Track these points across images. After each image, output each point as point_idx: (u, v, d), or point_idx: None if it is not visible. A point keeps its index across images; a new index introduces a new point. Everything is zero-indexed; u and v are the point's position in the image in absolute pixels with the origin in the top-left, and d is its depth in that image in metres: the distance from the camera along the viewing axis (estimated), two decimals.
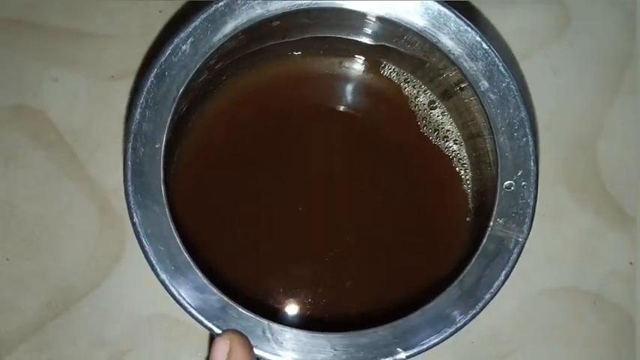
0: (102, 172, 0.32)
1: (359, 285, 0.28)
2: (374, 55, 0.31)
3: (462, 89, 0.27)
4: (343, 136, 0.31)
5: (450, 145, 0.30)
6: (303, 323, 0.24)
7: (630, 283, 0.34)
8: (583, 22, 0.37)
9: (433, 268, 0.28)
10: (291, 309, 0.27)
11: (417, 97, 0.31)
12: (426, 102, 0.31)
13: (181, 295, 0.22)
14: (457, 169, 0.30)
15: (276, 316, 0.23)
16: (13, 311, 0.32)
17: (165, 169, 0.27)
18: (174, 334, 0.32)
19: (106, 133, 0.33)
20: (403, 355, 0.21)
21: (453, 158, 0.30)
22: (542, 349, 0.33)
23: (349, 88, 0.32)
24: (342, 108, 0.32)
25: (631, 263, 0.34)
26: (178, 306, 0.22)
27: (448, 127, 0.30)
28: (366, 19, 0.26)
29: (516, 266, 0.34)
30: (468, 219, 0.29)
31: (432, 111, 0.30)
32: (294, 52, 0.31)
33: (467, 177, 0.30)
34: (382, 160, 0.31)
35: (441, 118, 0.30)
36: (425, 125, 0.30)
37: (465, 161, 0.30)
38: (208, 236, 0.29)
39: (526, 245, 0.35)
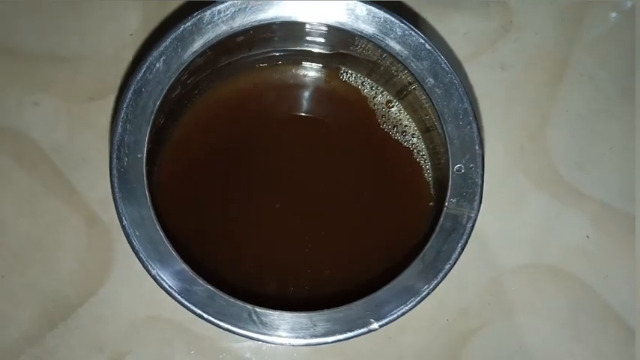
0: (87, 185, 0.35)
1: (336, 268, 0.31)
2: (332, 62, 0.34)
3: (413, 88, 0.30)
4: (312, 138, 0.34)
5: (409, 138, 0.33)
6: (288, 306, 0.26)
7: (587, 256, 0.37)
8: (526, 19, 0.40)
9: (402, 249, 0.31)
10: (277, 295, 0.30)
11: (375, 97, 0.34)
12: (384, 101, 0.34)
13: (172, 288, 0.24)
14: (417, 160, 0.33)
15: (263, 302, 0.26)
16: (11, 325, 0.34)
17: (148, 177, 0.29)
18: (168, 334, 0.34)
19: (88, 149, 0.35)
20: (376, 325, 0.24)
21: (413, 150, 0.33)
22: (509, 323, 0.36)
23: (313, 94, 0.35)
24: (308, 112, 0.35)
25: (587, 237, 0.38)
26: (170, 307, 0.25)
27: (405, 122, 0.33)
28: (322, 30, 0.30)
29: (482, 247, 0.38)
30: (430, 204, 0.33)
31: (390, 109, 0.34)
32: (260, 64, 0.34)
33: (427, 167, 0.33)
34: (349, 157, 0.34)
35: (399, 115, 0.34)
36: (384, 122, 0.34)
37: (423, 152, 0.33)
38: (191, 233, 0.32)
39: (489, 228, 0.38)
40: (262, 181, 0.33)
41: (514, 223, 0.38)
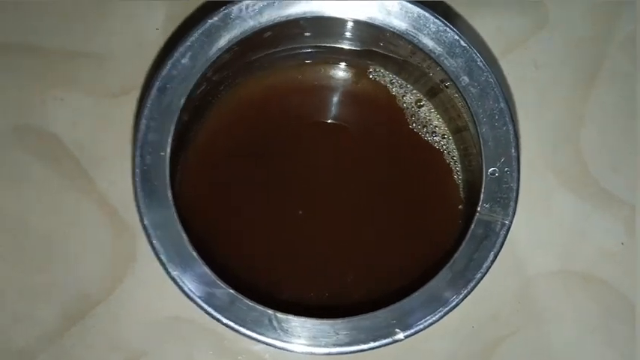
0: (110, 183, 0.34)
1: (360, 275, 0.30)
2: (361, 60, 0.32)
3: (446, 86, 0.29)
4: (338, 139, 0.33)
5: (439, 139, 0.32)
6: (308, 312, 0.25)
7: (620, 263, 0.36)
8: (560, 16, 0.38)
9: (430, 254, 0.30)
10: (297, 301, 0.28)
11: (404, 97, 0.32)
12: (413, 100, 0.32)
13: (191, 291, 0.23)
14: (447, 161, 0.32)
15: (282, 307, 0.25)
16: (31, 322, 0.33)
17: (171, 175, 0.28)
18: (186, 335, 0.33)
19: (111, 146, 0.34)
20: (401, 335, 0.23)
21: (443, 152, 0.32)
22: (538, 330, 0.34)
23: (341, 93, 0.33)
24: (335, 112, 0.33)
25: (622, 243, 0.36)
26: (189, 308, 0.24)
27: (435, 122, 0.32)
28: (352, 25, 0.28)
29: (511, 252, 0.36)
30: (460, 207, 0.31)
31: (420, 109, 0.32)
32: (288, 62, 0.33)
33: (457, 168, 0.32)
34: (376, 158, 0.32)
35: (429, 115, 0.32)
36: (414, 122, 0.32)
37: (454, 154, 0.32)
38: (214, 236, 0.31)
39: (519, 232, 0.37)
40: (286, 184, 0.32)
41: (544, 227, 0.36)
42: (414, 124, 0.32)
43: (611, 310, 0.35)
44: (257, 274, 0.29)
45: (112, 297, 0.33)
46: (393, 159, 0.32)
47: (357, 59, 0.32)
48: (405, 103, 0.32)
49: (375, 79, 0.33)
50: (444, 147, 0.32)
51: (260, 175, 0.32)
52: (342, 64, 0.33)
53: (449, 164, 0.32)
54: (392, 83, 0.33)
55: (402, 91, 0.32)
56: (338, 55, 0.32)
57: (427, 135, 0.32)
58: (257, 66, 0.32)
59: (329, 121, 0.33)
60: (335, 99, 0.33)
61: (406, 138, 0.32)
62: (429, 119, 0.32)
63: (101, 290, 0.34)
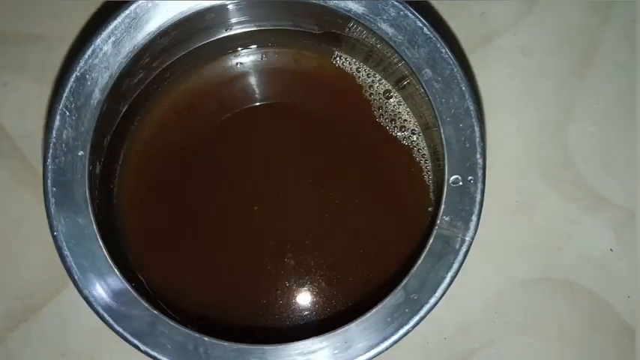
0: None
1: (309, 290, 0.26)
2: (325, 44, 0.28)
3: (408, 82, 0.25)
4: (298, 130, 0.29)
5: (408, 135, 0.28)
6: (241, 335, 0.22)
7: (608, 270, 0.32)
8: (551, 1, 0.34)
9: (395, 261, 0.26)
10: (237, 318, 0.25)
11: (371, 86, 0.28)
12: (381, 91, 0.28)
13: (106, 311, 0.20)
14: (417, 159, 0.28)
15: (226, 327, 0.22)
16: None
17: (107, 173, 0.25)
18: None
19: None
20: None
21: (412, 148, 0.28)
22: (515, 343, 0.31)
23: (302, 79, 0.30)
24: (295, 100, 0.30)
25: (611, 250, 0.32)
26: None
27: (405, 116, 0.28)
28: (306, 7, 0.24)
29: (488, 257, 0.33)
30: (430, 209, 0.28)
31: (388, 100, 0.28)
32: (243, 47, 0.29)
33: (427, 167, 0.28)
34: (339, 153, 0.29)
35: (398, 108, 0.28)
36: (381, 115, 0.28)
37: (424, 152, 0.28)
38: (157, 239, 0.28)
39: (498, 235, 0.33)
40: (240, 178, 0.28)
41: (526, 230, 0.32)
42: (382, 118, 0.28)
43: (596, 321, 0.31)
44: (199, 287, 0.26)
45: (58, 299, 0.31)
46: (358, 155, 0.29)
47: (320, 44, 0.29)
48: (372, 93, 0.29)
49: (340, 65, 0.29)
50: (414, 144, 0.28)
51: (211, 167, 0.28)
52: (304, 49, 0.29)
53: (419, 163, 0.28)
54: (358, 71, 0.29)
55: (369, 80, 0.29)
56: (298, 39, 0.28)
57: (396, 130, 0.28)
58: (207, 52, 0.28)
59: (288, 109, 0.30)
60: (296, 84, 0.30)
61: (372, 132, 0.28)
62: (398, 112, 0.28)
63: (46, 292, 0.31)
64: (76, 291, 0.30)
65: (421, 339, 0.31)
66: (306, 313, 0.26)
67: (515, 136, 0.33)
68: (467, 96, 0.21)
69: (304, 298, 0.27)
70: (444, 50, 0.22)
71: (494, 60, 0.33)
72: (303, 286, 0.27)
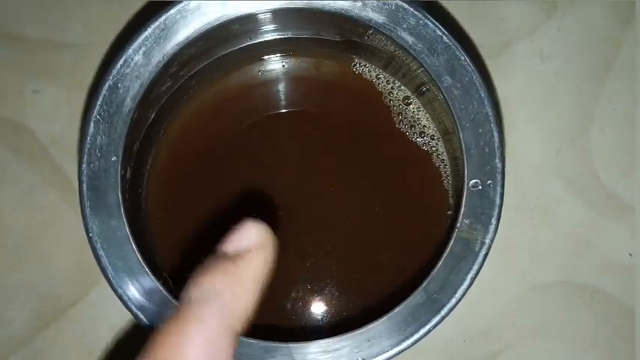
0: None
1: (332, 289, 0.27)
2: (345, 51, 0.29)
3: (427, 89, 0.26)
4: (320, 136, 0.30)
5: (428, 140, 0.29)
6: (268, 333, 0.23)
7: (628, 275, 0.32)
8: (571, 5, 0.35)
9: (414, 265, 0.27)
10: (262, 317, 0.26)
11: (391, 93, 0.29)
12: (401, 97, 0.29)
13: (139, 309, 0.21)
14: (436, 164, 0.29)
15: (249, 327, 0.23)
16: (1, 323, 0.32)
17: (136, 178, 0.26)
18: None
19: None
20: None
21: (432, 154, 0.29)
22: (535, 346, 0.32)
23: (323, 86, 0.31)
24: (317, 107, 0.31)
25: (630, 254, 0.33)
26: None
27: (424, 122, 0.29)
28: (328, 17, 0.25)
29: (508, 262, 0.33)
30: (449, 212, 0.28)
31: (407, 106, 0.29)
32: (265, 55, 0.30)
33: (446, 173, 0.29)
34: (359, 159, 0.30)
35: (417, 114, 0.29)
36: (401, 121, 0.29)
37: (443, 157, 0.29)
38: (185, 242, 0.29)
39: (518, 239, 0.34)
40: (263, 183, 0.29)
41: (546, 235, 0.33)
42: (401, 124, 0.29)
43: (615, 326, 0.32)
44: None
45: (87, 299, 0.32)
46: (378, 161, 0.30)
47: (340, 51, 0.30)
48: (391, 100, 0.29)
49: (360, 72, 0.30)
50: (433, 149, 0.29)
51: (237, 172, 0.29)
52: (325, 57, 0.30)
53: (438, 168, 0.29)
54: (378, 78, 0.30)
55: (388, 86, 0.29)
56: (320, 48, 0.30)
57: (415, 136, 0.29)
58: (231, 60, 0.29)
59: (309, 117, 0.30)
60: (317, 92, 0.31)
61: (392, 138, 0.29)
62: (418, 118, 0.29)
63: (75, 292, 0.32)
64: (104, 291, 0.31)
65: (441, 342, 0.32)
66: (327, 313, 0.27)
67: (535, 142, 0.33)
68: (486, 102, 0.22)
69: (325, 300, 0.28)
70: (463, 57, 0.23)
71: (513, 66, 0.34)
72: (324, 288, 0.28)
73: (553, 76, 0.34)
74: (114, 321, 0.32)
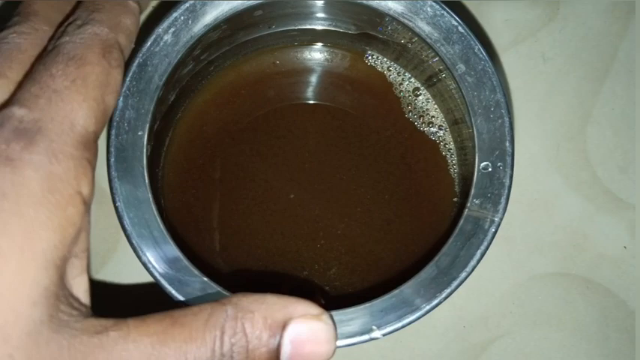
0: (97, 161, 0.33)
1: (343, 266, 0.28)
2: (358, 44, 0.31)
3: (444, 76, 0.27)
4: (331, 125, 0.31)
5: (435, 130, 0.30)
6: None
7: (622, 267, 0.34)
8: (573, 8, 0.36)
9: (421, 247, 0.28)
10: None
11: (401, 84, 0.31)
12: (411, 89, 0.31)
13: (162, 276, 0.22)
14: (443, 153, 0.30)
15: None
16: None
17: (153, 157, 0.27)
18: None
19: None
20: (379, 333, 0.21)
21: (439, 143, 0.30)
22: (532, 334, 0.33)
23: (336, 78, 0.32)
24: (329, 98, 0.32)
25: (625, 247, 0.34)
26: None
27: (433, 113, 0.30)
28: (346, 7, 0.27)
29: (508, 251, 0.34)
30: (455, 199, 0.29)
31: (417, 97, 0.30)
32: (282, 44, 0.32)
33: (452, 161, 0.30)
34: (369, 147, 0.31)
35: (426, 105, 0.30)
36: (410, 111, 0.31)
37: (450, 146, 0.30)
38: (196, 222, 0.29)
39: (518, 231, 0.35)
40: (276, 169, 0.30)
41: (544, 227, 0.34)
42: (410, 114, 0.31)
43: (609, 316, 0.33)
44: (240, 262, 0.28)
45: (97, 277, 0.32)
46: (387, 148, 0.31)
47: (354, 43, 0.31)
48: (401, 91, 0.31)
49: (372, 64, 0.31)
50: (441, 139, 0.30)
51: (249, 157, 0.31)
52: (339, 47, 0.31)
53: (445, 157, 0.30)
54: (389, 70, 0.31)
55: (399, 78, 0.31)
56: (334, 39, 0.31)
57: (423, 125, 0.30)
58: (250, 47, 0.30)
59: (321, 106, 0.32)
60: (329, 83, 0.32)
61: (402, 127, 0.31)
62: (427, 109, 0.30)
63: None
64: (112, 271, 0.32)
65: (441, 327, 0.33)
66: (338, 292, 0.28)
67: (535, 138, 0.35)
68: (497, 89, 0.24)
69: (335, 279, 0.29)
70: (477, 47, 0.24)
71: (516, 65, 0.35)
72: (334, 269, 0.29)
73: (554, 76, 0.36)
74: (124, 299, 0.32)
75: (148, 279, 0.23)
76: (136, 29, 0.22)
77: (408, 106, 0.31)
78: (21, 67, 0.19)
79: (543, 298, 0.33)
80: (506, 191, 0.23)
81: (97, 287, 0.32)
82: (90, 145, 0.19)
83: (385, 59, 0.31)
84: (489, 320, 0.33)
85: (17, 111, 0.17)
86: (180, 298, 0.22)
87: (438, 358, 0.32)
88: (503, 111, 0.23)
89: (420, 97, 0.30)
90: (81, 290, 0.18)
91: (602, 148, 0.35)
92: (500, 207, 0.23)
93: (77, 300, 0.18)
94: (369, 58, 0.31)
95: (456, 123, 0.29)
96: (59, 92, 0.18)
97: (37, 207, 0.16)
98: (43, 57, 0.19)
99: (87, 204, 0.18)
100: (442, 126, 0.30)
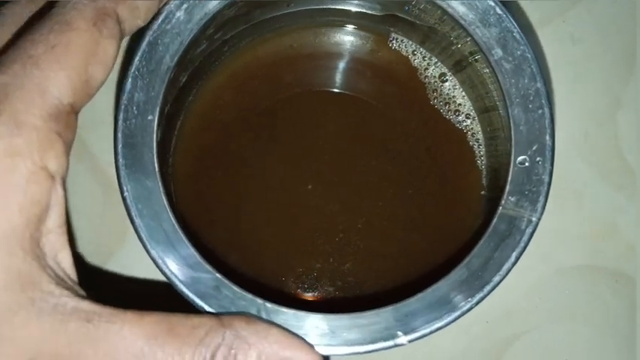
0: (104, 149, 0.31)
1: (365, 265, 0.26)
2: (383, 25, 0.28)
3: (476, 60, 0.25)
4: (352, 111, 0.29)
5: (462, 119, 0.28)
6: (301, 305, 0.22)
7: None
8: None
9: (447, 244, 0.26)
10: (293, 290, 0.25)
11: (426, 69, 0.28)
12: (437, 74, 0.28)
13: (173, 273, 0.20)
14: (470, 144, 0.28)
15: (275, 296, 0.22)
16: None
17: (164, 142, 0.25)
18: (181, 309, 0.31)
19: (108, 109, 0.31)
20: (404, 339, 0.20)
21: (466, 133, 0.28)
22: (559, 329, 0.31)
23: (357, 62, 0.29)
24: (350, 82, 0.29)
25: None
26: None
27: (460, 100, 0.28)
28: None
29: (534, 244, 0.32)
30: (482, 192, 0.27)
31: (443, 84, 0.28)
32: (301, 24, 0.29)
33: (480, 152, 0.28)
34: (392, 135, 0.29)
35: (453, 92, 0.28)
36: (436, 98, 0.28)
37: (478, 136, 0.28)
38: (208, 212, 0.28)
39: (544, 222, 0.33)
40: (293, 157, 0.28)
41: (572, 218, 0.32)
42: (436, 101, 0.28)
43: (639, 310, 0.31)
44: (254, 257, 0.26)
45: (105, 268, 0.31)
46: (410, 137, 0.28)
47: (377, 25, 0.28)
48: (427, 76, 0.28)
49: (396, 48, 0.29)
50: (469, 128, 0.28)
51: (264, 145, 0.28)
52: (361, 30, 0.29)
53: (472, 147, 0.28)
54: (414, 54, 0.28)
55: (424, 63, 0.28)
56: (357, 20, 0.28)
57: (450, 114, 0.28)
58: (266, 27, 0.28)
59: (341, 92, 0.29)
60: (350, 67, 0.29)
61: (426, 115, 0.28)
62: (453, 96, 0.28)
63: (94, 261, 0.30)
64: (122, 261, 0.30)
65: (465, 323, 0.31)
66: (355, 289, 0.26)
67: (563, 125, 0.32)
68: (538, 77, 0.21)
69: (349, 275, 0.27)
70: (515, 30, 0.22)
71: (543, 47, 0.33)
72: (348, 263, 0.27)
73: (583, 58, 0.33)
74: (133, 290, 0.30)
75: (158, 274, 0.22)
76: (147, 5, 0.20)
77: (433, 92, 0.28)
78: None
79: (570, 292, 0.31)
80: (545, 188, 0.21)
81: (104, 278, 0.30)
82: (61, 117, 0.17)
83: (410, 42, 0.28)
84: (514, 315, 0.31)
85: None
86: (191, 295, 0.20)
87: (461, 355, 0.30)
88: (543, 101, 0.21)
89: (447, 84, 0.28)
90: (67, 265, 0.17)
91: (633, 134, 0.32)
92: (539, 205, 0.21)
93: (67, 274, 0.17)
94: (394, 41, 0.28)
95: (486, 111, 0.26)
96: (35, 57, 0.16)
97: None
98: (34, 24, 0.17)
99: (55, 179, 0.16)
100: (470, 114, 0.28)
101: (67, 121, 0.17)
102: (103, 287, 0.30)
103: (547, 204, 0.31)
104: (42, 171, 0.16)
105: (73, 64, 0.17)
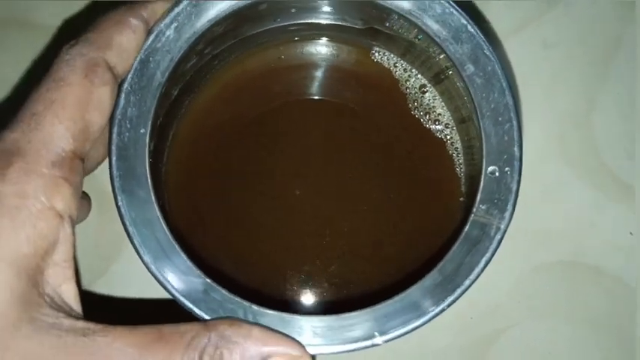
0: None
1: (346, 268, 0.28)
2: (365, 39, 0.29)
3: (451, 74, 0.26)
4: (337, 121, 0.30)
5: (442, 128, 0.29)
6: (290, 306, 0.23)
7: (630, 255, 0.32)
8: None
9: (427, 248, 0.27)
10: (282, 292, 0.26)
11: (407, 81, 0.29)
12: (417, 85, 0.29)
13: (165, 278, 0.21)
14: (449, 152, 0.29)
15: (265, 299, 0.23)
16: None
17: (157, 152, 0.26)
18: (180, 318, 0.31)
19: None
20: (379, 340, 0.21)
21: (446, 142, 0.29)
22: (540, 324, 0.32)
23: (342, 72, 0.31)
24: (335, 93, 0.31)
25: (631, 233, 0.33)
26: None
27: (439, 110, 0.29)
28: (354, 3, 0.25)
29: (515, 242, 0.33)
30: (461, 199, 0.28)
31: (423, 95, 0.29)
32: (288, 38, 0.30)
33: (459, 160, 0.29)
34: (374, 144, 0.30)
35: (433, 102, 0.29)
36: (416, 108, 0.29)
37: (457, 145, 0.29)
38: (200, 219, 0.29)
39: (525, 221, 0.34)
40: (282, 164, 0.29)
41: (552, 216, 0.33)
42: (417, 111, 0.29)
43: (619, 305, 0.32)
44: (244, 262, 0.27)
45: (103, 278, 0.32)
46: (392, 145, 0.30)
47: (361, 38, 0.29)
48: (408, 87, 0.29)
49: (379, 60, 0.30)
50: (447, 137, 0.29)
51: (254, 153, 0.29)
52: (345, 43, 0.30)
53: (451, 155, 0.29)
54: (396, 66, 0.30)
55: (405, 75, 0.29)
56: (340, 33, 0.29)
57: (429, 123, 0.29)
58: (254, 41, 0.29)
59: (328, 103, 0.30)
60: (335, 78, 0.30)
61: (407, 124, 0.29)
62: (433, 106, 0.29)
63: (91, 272, 0.32)
64: (119, 272, 0.31)
65: (449, 318, 0.32)
66: (341, 290, 0.27)
67: (540, 127, 0.33)
68: (507, 92, 0.22)
69: (334, 277, 0.28)
70: (486, 47, 0.23)
71: (518, 52, 0.34)
72: (333, 265, 0.28)
73: (557, 62, 0.34)
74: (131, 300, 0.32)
75: (153, 287, 0.23)
76: (133, 46, 0.22)
77: (414, 102, 0.29)
78: None
79: (551, 288, 0.32)
80: (512, 197, 0.22)
81: (102, 290, 0.31)
82: (65, 164, 0.19)
83: (392, 55, 0.29)
84: (497, 311, 0.32)
85: (4, 133, 0.19)
86: (182, 299, 0.21)
87: (446, 351, 0.31)
88: (512, 114, 0.22)
89: (427, 95, 0.29)
90: (71, 297, 0.19)
91: (609, 134, 0.34)
92: (507, 214, 0.22)
93: (67, 305, 0.18)
94: (376, 54, 0.30)
95: (463, 121, 0.28)
96: (38, 115, 0.19)
97: (4, 219, 0.17)
98: None
99: (64, 218, 0.19)
100: (449, 124, 0.29)
101: (72, 166, 0.19)
102: (100, 297, 0.32)
103: (527, 202, 0.33)
104: (49, 210, 0.18)
105: (69, 116, 0.19)
